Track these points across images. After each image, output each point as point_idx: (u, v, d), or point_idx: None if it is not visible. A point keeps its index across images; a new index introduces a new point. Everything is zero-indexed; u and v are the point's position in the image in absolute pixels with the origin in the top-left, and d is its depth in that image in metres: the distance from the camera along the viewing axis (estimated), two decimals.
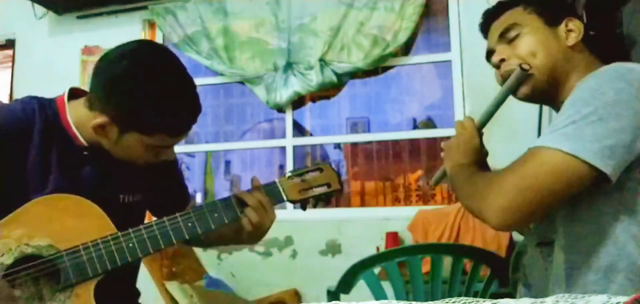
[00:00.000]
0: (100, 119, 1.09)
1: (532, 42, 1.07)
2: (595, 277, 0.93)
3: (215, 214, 1.17)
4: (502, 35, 1.12)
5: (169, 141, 1.15)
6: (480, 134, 1.17)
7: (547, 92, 1.08)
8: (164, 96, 1.08)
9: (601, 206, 0.94)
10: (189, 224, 1.14)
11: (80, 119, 1.14)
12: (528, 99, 1.11)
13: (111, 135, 1.11)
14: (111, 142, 1.12)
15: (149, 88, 1.07)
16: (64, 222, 1.05)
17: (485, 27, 1.18)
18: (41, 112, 1.13)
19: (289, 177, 1.27)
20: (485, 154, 1.20)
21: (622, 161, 0.88)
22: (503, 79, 1.12)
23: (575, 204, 0.96)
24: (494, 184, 0.95)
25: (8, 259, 1.00)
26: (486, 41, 1.19)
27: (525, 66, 1.06)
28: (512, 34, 1.10)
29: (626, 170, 0.90)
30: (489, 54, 1.16)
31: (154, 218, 1.18)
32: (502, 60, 1.11)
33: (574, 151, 0.88)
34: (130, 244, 1.07)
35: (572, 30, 1.08)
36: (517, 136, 2.70)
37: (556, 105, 1.09)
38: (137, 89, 1.06)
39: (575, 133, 0.89)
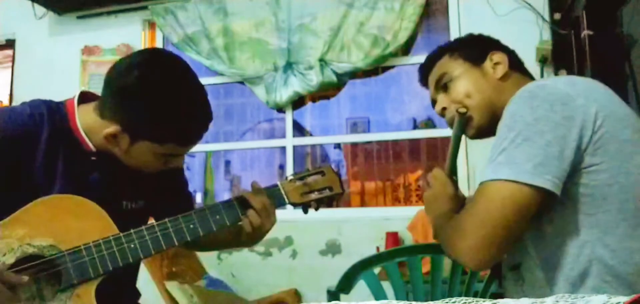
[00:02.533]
0: (112, 128, 1.09)
1: (464, 86, 1.14)
2: (573, 289, 0.95)
3: (217, 216, 1.17)
4: (438, 85, 1.19)
5: (180, 150, 1.16)
6: (454, 181, 1.20)
7: (492, 126, 1.10)
8: (176, 105, 1.08)
9: (560, 220, 0.97)
10: (191, 225, 1.14)
11: (90, 125, 1.14)
12: (478, 137, 1.17)
13: (122, 144, 1.12)
14: (122, 150, 1.13)
15: (161, 98, 1.07)
16: (66, 222, 1.06)
17: (423, 81, 1.26)
18: (49, 117, 1.13)
19: (290, 180, 1.27)
20: (463, 198, 1.22)
21: (559, 172, 0.91)
22: (450, 124, 1.18)
23: (539, 224, 0.99)
24: (458, 229, 0.99)
25: (10, 259, 1.00)
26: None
27: (462, 110, 1.13)
28: (445, 81, 1.17)
29: (569, 178, 0.93)
30: (433, 103, 1.24)
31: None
32: (444, 108, 1.18)
33: (512, 176, 0.91)
34: (132, 245, 1.08)
35: (498, 62, 1.14)
36: None
37: None
38: (148, 99, 1.07)
39: (507, 159, 0.93)
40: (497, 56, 1.15)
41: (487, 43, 1.20)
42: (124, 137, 1.10)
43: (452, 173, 1.20)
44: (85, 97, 1.20)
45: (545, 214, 0.97)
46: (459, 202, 1.16)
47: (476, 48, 1.18)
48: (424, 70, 1.26)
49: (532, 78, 1.16)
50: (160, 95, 1.07)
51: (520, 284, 1.06)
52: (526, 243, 1.03)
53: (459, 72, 1.15)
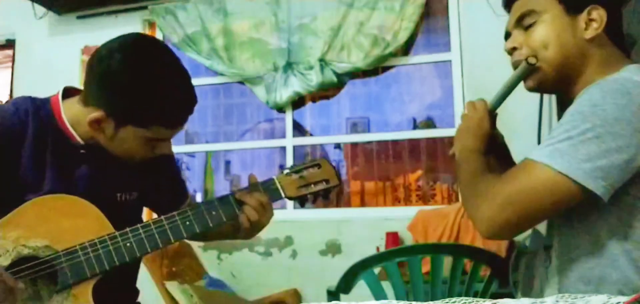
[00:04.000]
0: (96, 113, 1.08)
1: (546, 33, 1.02)
2: (586, 288, 0.93)
3: (214, 213, 1.17)
4: (520, 20, 1.06)
5: (166, 133, 1.15)
6: (493, 116, 1.14)
7: (556, 85, 1.05)
8: (159, 87, 1.08)
9: (596, 220, 0.93)
10: (187, 222, 1.13)
11: (75, 116, 1.14)
12: (536, 91, 1.08)
13: (107, 130, 1.11)
14: (107, 137, 1.12)
15: (144, 80, 1.07)
16: (61, 223, 1.05)
17: (507, 3, 1.12)
18: (35, 113, 1.12)
19: (286, 174, 1.26)
20: (498, 136, 1.18)
21: (616, 181, 0.86)
22: (514, 66, 1.08)
23: (572, 215, 0.95)
24: (486, 194, 0.95)
25: (5, 261, 1.00)
26: (502, 24, 1.15)
27: (531, 60, 1.02)
28: (529, 20, 1.04)
29: (623, 186, 0.88)
30: (507, 35, 1.11)
31: (154, 215, 1.18)
32: (515, 48, 1.07)
33: (566, 170, 0.86)
34: (128, 244, 1.07)
35: (594, 19, 1.00)
36: (518, 134, 2.68)
37: (568, 97, 1.06)
38: (132, 81, 1.06)
39: (569, 150, 0.87)
40: (596, 13, 1.00)
41: None
42: (109, 123, 1.09)
43: (494, 109, 1.14)
44: (69, 93, 1.19)
45: (581, 209, 0.92)
46: (489, 141, 1.11)
47: None
48: None
49: (624, 53, 1.06)
50: (143, 77, 1.06)
51: (547, 265, 1.04)
52: (554, 229, 1.00)
53: (548, 15, 1.02)
